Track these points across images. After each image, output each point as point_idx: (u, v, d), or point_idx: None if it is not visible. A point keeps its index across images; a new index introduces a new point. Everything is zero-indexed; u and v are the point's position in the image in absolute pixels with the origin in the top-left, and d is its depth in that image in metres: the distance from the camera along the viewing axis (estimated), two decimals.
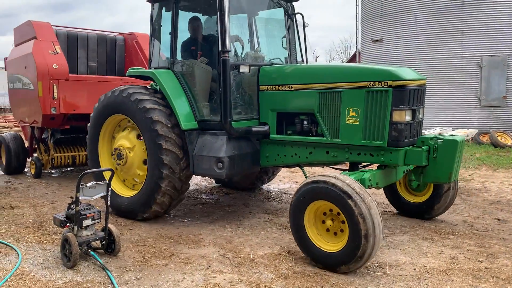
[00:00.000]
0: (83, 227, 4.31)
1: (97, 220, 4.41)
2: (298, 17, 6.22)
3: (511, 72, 14.32)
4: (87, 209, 4.38)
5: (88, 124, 6.28)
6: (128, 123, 5.97)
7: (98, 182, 4.42)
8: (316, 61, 54.23)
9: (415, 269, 4.10)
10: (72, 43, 9.02)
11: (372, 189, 4.62)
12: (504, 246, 4.71)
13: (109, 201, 4.47)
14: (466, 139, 13.31)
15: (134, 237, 5.04)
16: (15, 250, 4.58)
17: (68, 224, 4.30)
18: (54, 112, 7.75)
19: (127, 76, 6.31)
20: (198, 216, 5.93)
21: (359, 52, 20.99)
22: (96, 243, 4.50)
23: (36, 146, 8.87)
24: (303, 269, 4.09)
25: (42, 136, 8.76)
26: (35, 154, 8.93)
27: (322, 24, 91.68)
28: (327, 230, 4.12)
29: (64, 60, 7.96)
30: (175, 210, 6.20)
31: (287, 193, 7.24)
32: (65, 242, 4.22)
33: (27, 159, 9.14)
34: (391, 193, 5.82)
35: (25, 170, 9.26)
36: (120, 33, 9.83)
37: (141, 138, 5.69)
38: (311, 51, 53.77)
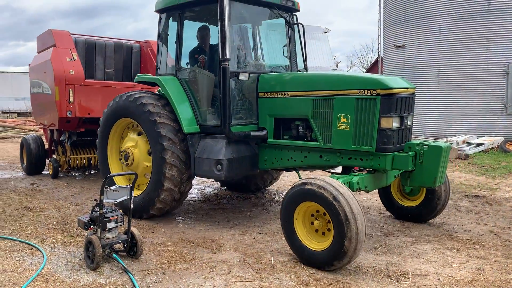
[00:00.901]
0: (107, 229, 4.37)
1: (120, 223, 4.46)
2: (300, 26, 6.36)
3: None
4: (110, 211, 4.44)
5: (98, 129, 6.64)
6: (129, 130, 6.38)
7: (122, 186, 4.49)
8: (337, 67, 53.93)
9: (439, 279, 4.01)
10: (90, 50, 9.42)
11: (361, 192, 4.89)
12: None
13: (132, 204, 4.53)
14: (492, 147, 13.01)
15: (156, 241, 5.09)
16: (40, 251, 4.68)
17: (92, 226, 4.37)
18: (69, 116, 8.19)
19: (135, 82, 6.61)
20: (218, 220, 5.95)
21: (381, 58, 20.79)
22: (119, 246, 4.56)
23: (54, 148, 9.28)
24: (324, 277, 4.05)
25: (60, 139, 9.20)
26: (54, 156, 9.31)
27: (344, 29, 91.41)
28: (323, 233, 4.30)
29: (80, 66, 8.35)
30: (196, 214, 6.23)
31: None
32: (89, 244, 4.28)
33: (47, 160, 9.52)
34: (386, 197, 6.00)
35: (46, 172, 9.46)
36: (137, 41, 10.18)
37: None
38: (332, 57, 53.47)
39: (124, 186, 4.53)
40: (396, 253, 4.69)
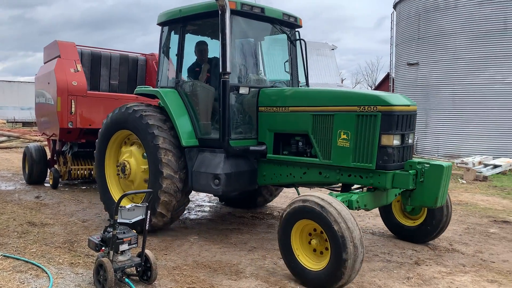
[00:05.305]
0: (119, 252, 4.02)
1: (134, 245, 4.11)
2: (302, 42, 6.26)
3: None
4: (123, 232, 4.09)
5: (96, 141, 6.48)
6: (121, 147, 6.26)
7: (137, 204, 4.16)
8: (342, 83, 53.85)
9: None
10: (96, 62, 9.42)
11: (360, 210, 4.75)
12: None
13: (147, 225, 4.19)
14: (510, 169, 12.62)
15: (170, 264, 4.73)
16: (46, 273, 4.32)
17: (103, 248, 4.03)
18: (70, 126, 8.20)
19: (135, 94, 6.52)
20: (234, 242, 5.58)
21: (392, 77, 20.56)
22: (131, 270, 4.20)
23: (56, 158, 9.24)
24: None
25: (63, 149, 9.18)
26: (55, 166, 9.22)
27: (351, 47, 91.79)
28: (321, 253, 4.17)
29: (84, 77, 8.33)
30: (210, 235, 5.87)
31: None
32: (100, 267, 3.94)
33: (48, 170, 9.40)
34: (387, 216, 5.86)
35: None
36: (142, 54, 10.15)
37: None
38: (338, 74, 53.42)
39: (140, 205, 4.19)
40: (432, 284, 4.30)
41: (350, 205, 4.41)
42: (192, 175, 5.53)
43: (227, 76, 5.09)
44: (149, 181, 5.58)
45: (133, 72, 9.90)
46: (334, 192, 4.77)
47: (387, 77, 29.35)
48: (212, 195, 8.07)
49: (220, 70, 5.11)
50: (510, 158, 13.37)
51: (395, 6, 19.09)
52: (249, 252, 5.21)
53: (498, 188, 10.13)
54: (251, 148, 5.43)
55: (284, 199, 8.05)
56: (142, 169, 5.85)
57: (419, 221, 5.52)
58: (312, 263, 4.17)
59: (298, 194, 5.54)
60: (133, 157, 5.95)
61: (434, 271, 4.67)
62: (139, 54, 10.07)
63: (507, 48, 14.07)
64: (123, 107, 5.96)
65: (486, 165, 12.57)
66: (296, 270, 4.25)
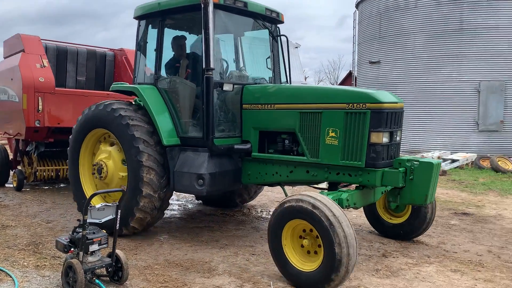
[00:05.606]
0: (89, 252, 3.92)
1: (104, 245, 4.03)
2: (283, 38, 6.22)
3: (509, 97, 14.36)
4: (93, 233, 3.99)
5: (70, 137, 6.18)
6: (100, 143, 6.01)
7: (107, 204, 4.07)
8: (305, 81, 54.53)
9: None
10: (61, 57, 9.03)
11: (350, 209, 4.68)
12: None
13: (118, 225, 4.10)
14: (466, 163, 13.20)
15: (140, 263, 4.66)
16: (11, 277, 4.16)
17: (72, 249, 3.92)
18: (38, 125, 7.73)
19: (111, 91, 6.27)
20: (206, 240, 5.56)
21: (355, 75, 20.99)
22: (101, 270, 4.11)
23: (20, 158, 8.76)
24: None
25: (27, 149, 8.70)
26: (18, 167, 8.76)
27: (313, 45, 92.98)
28: (310, 252, 4.11)
29: (51, 73, 7.92)
30: (180, 233, 5.82)
31: None
32: (69, 269, 3.83)
33: (11, 171, 8.94)
34: (371, 214, 5.84)
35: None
36: (111, 49, 9.84)
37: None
38: (302, 71, 54.06)
39: (110, 204, 4.10)
40: (400, 276, 4.45)
41: (340, 204, 4.36)
42: (174, 176, 5.31)
43: (210, 72, 4.92)
44: (127, 194, 5.26)
45: (101, 68, 9.55)
46: (325, 191, 4.73)
47: (349, 75, 29.98)
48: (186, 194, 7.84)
49: (203, 66, 4.95)
50: (467, 152, 13.99)
51: (357, 5, 19.48)
52: (221, 249, 5.21)
53: (457, 181, 10.58)
54: (236, 146, 5.29)
55: (258, 196, 8.07)
56: (120, 176, 5.60)
57: (404, 218, 5.52)
58: (297, 260, 4.14)
59: (285, 193, 5.54)
60: (111, 160, 5.68)
61: (401, 262, 4.84)
62: (107, 49, 9.74)
63: (463, 47, 14.66)
64: (109, 106, 5.55)
65: (445, 160, 13.09)
66: (280, 261, 4.20)
